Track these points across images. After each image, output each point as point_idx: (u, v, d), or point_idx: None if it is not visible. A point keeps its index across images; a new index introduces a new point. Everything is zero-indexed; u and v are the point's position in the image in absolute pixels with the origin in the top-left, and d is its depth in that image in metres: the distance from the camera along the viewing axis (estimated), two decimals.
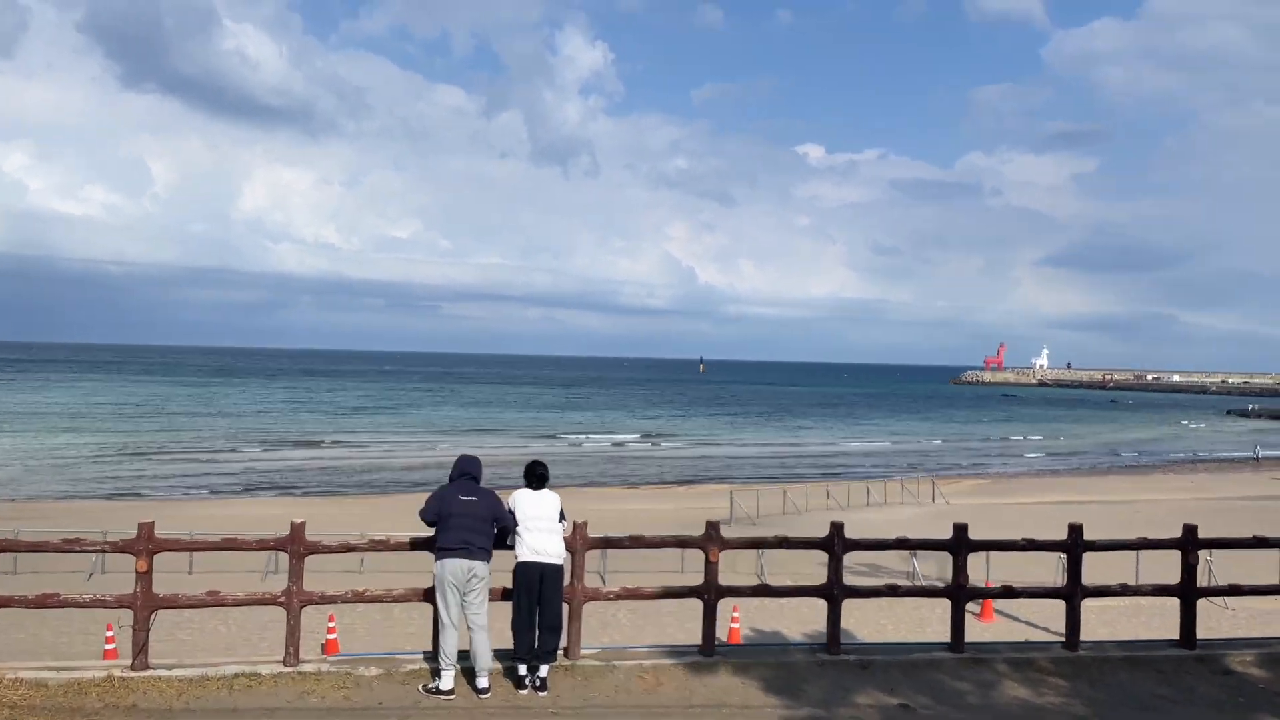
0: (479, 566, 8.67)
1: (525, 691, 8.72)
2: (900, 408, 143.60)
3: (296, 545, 8.87)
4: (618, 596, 9.63)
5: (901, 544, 9.78)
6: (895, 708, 8.55)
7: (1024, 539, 9.91)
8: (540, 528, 8.89)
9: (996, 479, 63.40)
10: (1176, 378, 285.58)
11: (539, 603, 8.87)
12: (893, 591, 9.73)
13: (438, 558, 8.72)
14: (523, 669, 8.82)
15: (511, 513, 8.94)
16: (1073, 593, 9.67)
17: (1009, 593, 9.82)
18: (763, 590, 9.79)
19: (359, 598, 9.07)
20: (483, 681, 8.67)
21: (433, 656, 8.98)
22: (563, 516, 9.11)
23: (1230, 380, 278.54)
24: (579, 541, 9.27)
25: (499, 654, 9.01)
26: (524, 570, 8.86)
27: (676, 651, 9.68)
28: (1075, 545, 9.68)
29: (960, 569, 9.59)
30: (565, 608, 9.08)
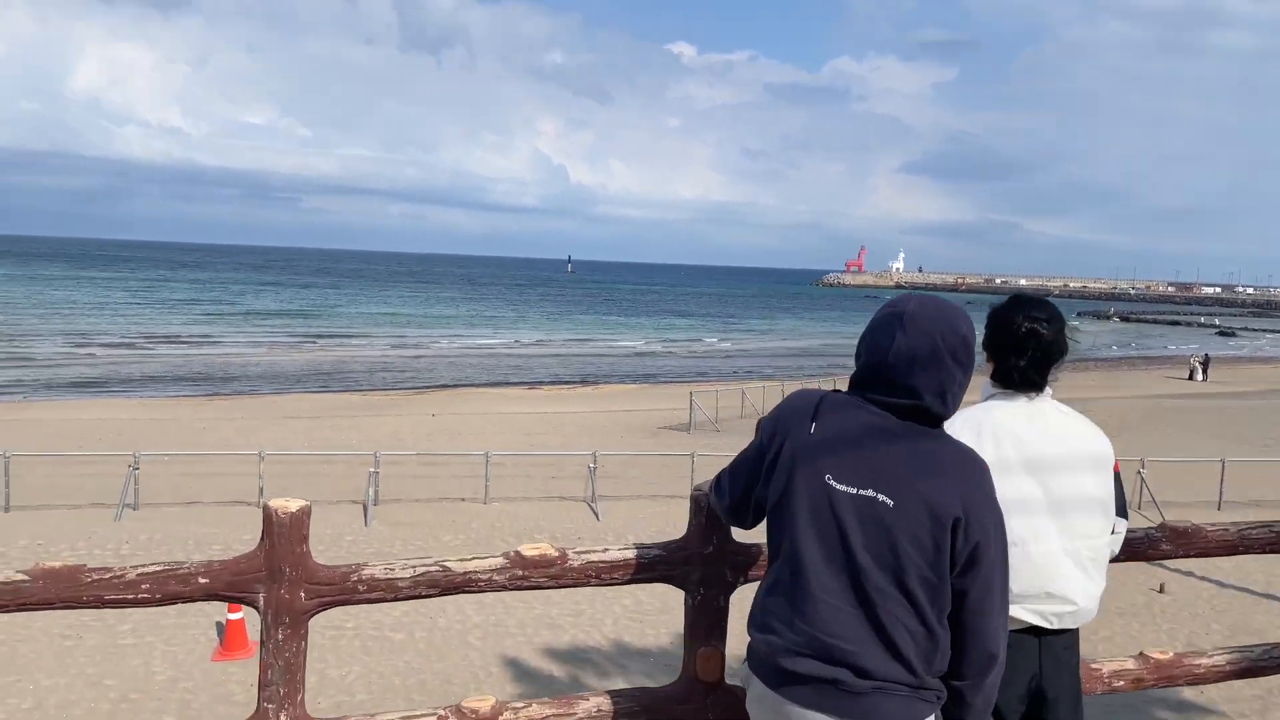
0: None
1: None
2: (777, 308, 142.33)
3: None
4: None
5: None
6: None
7: None
8: (1077, 527, 2.77)
9: None
10: (1023, 281, 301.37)
11: None
12: None
13: (745, 664, 2.58)
14: None
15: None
16: None
17: None
18: None
19: None
20: None
21: None
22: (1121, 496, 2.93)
23: (1071, 284, 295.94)
24: None
25: None
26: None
27: None
28: None
29: None
30: None
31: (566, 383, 52.10)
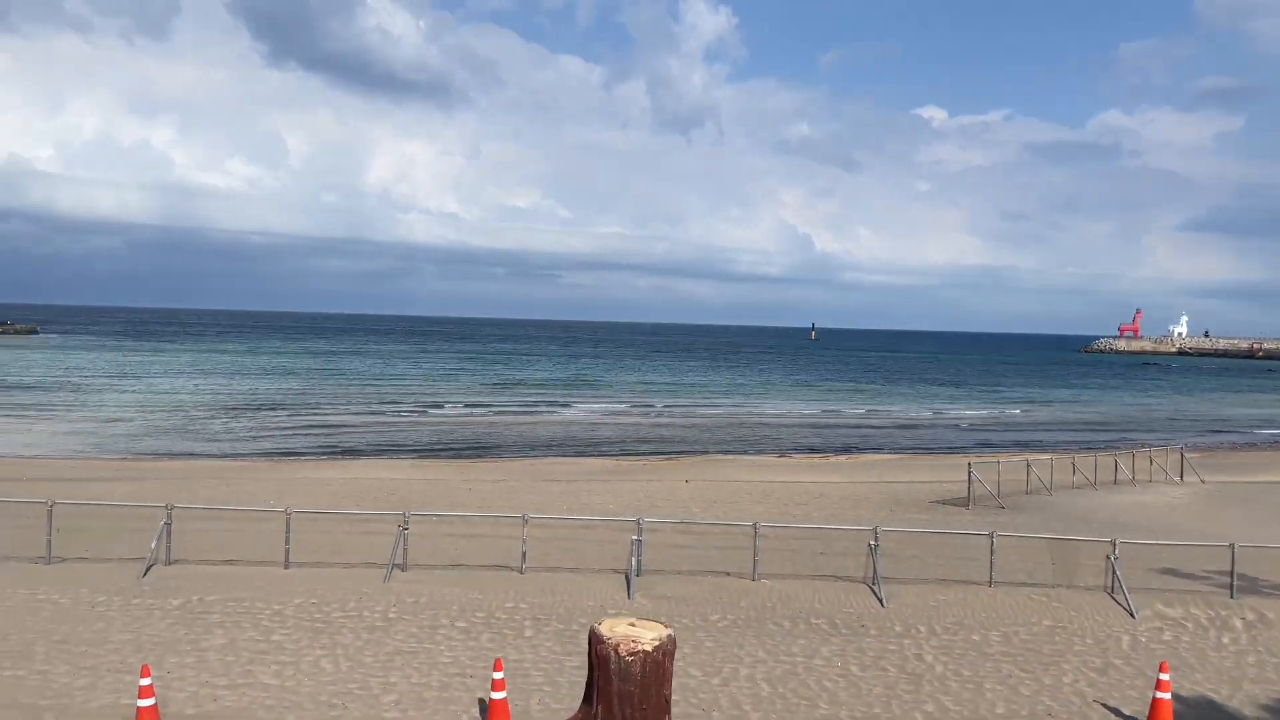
0: None
1: None
2: (1046, 375, 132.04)
3: None
4: None
5: None
6: None
7: None
8: None
9: (1222, 452, 53.34)
10: None
11: None
12: None
13: None
14: None
15: None
16: None
17: None
18: None
19: None
20: None
21: None
22: None
23: None
24: None
25: None
26: None
27: None
28: None
29: None
30: None
31: (819, 451, 49.96)
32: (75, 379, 77.33)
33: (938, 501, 28.74)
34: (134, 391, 68.50)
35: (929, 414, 71.22)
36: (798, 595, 16.38)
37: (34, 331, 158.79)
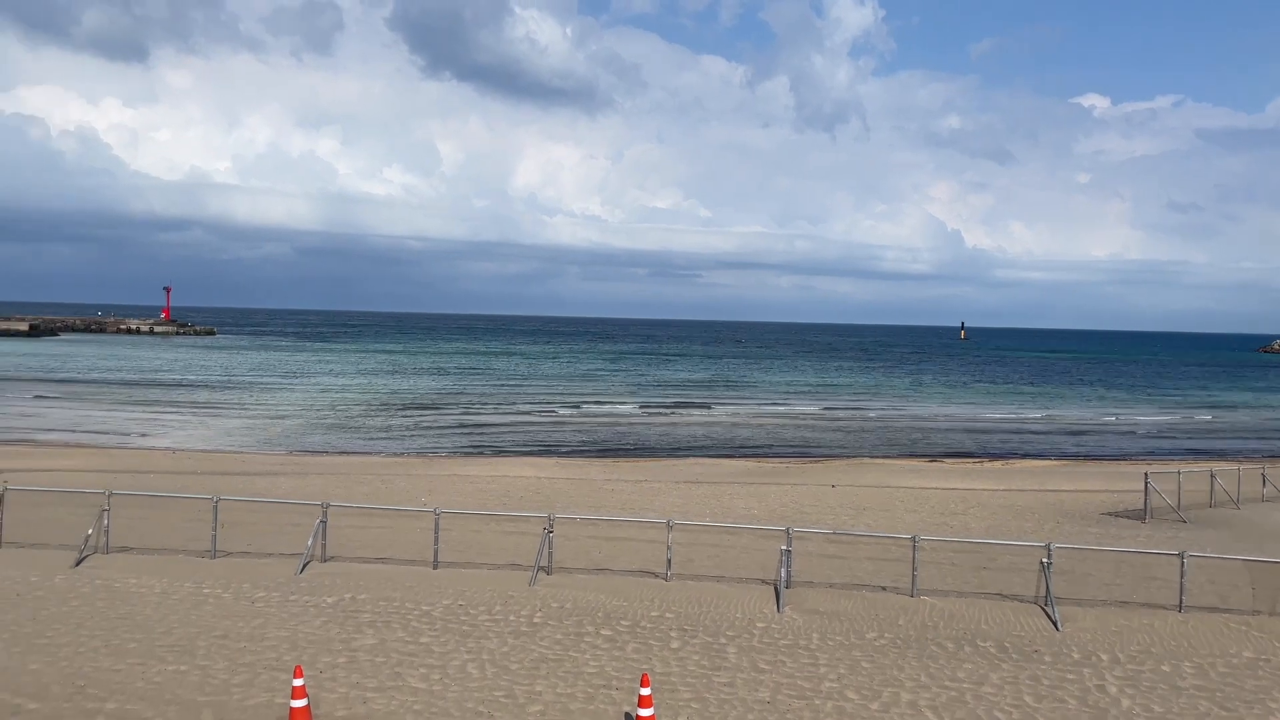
0: None
1: None
2: (1224, 377, 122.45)
3: None
4: None
5: None
6: None
7: None
8: None
9: None
10: None
11: None
12: None
13: None
14: None
15: None
16: None
17: None
18: None
19: None
20: None
21: None
22: None
23: None
24: None
25: None
26: None
27: None
28: None
29: None
30: None
31: (972, 455, 47.58)
32: (248, 377, 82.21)
33: (1108, 514, 26.72)
34: (300, 390, 72.13)
35: (1097, 418, 67.06)
36: (962, 614, 15.31)
37: (212, 333, 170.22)
